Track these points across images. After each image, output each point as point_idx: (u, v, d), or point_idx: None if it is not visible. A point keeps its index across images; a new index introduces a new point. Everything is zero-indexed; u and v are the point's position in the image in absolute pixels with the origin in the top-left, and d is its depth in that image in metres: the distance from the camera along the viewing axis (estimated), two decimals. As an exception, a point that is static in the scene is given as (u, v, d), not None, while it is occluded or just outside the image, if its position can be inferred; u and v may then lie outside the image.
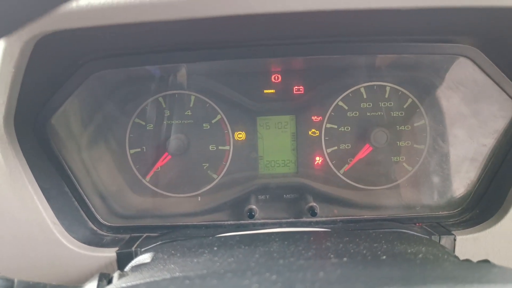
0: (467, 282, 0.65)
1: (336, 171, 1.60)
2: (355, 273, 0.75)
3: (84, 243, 1.34)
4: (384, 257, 0.93)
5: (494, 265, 0.83)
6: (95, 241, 1.39)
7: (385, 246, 1.02)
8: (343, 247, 1.01)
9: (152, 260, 1.08)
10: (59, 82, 1.35)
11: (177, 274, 0.88)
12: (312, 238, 1.10)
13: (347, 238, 1.08)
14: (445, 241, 1.32)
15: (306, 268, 0.78)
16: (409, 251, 1.01)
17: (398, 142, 1.58)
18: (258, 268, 0.83)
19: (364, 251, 0.97)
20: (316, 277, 0.72)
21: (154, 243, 1.30)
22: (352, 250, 0.98)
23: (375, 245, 1.03)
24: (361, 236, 1.10)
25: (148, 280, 0.86)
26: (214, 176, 1.60)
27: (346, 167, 1.60)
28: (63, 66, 1.31)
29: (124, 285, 0.86)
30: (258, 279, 0.72)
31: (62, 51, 1.20)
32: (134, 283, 0.84)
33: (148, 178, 1.60)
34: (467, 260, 0.96)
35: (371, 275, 0.73)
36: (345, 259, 0.87)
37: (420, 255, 0.97)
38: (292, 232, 1.20)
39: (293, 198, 1.59)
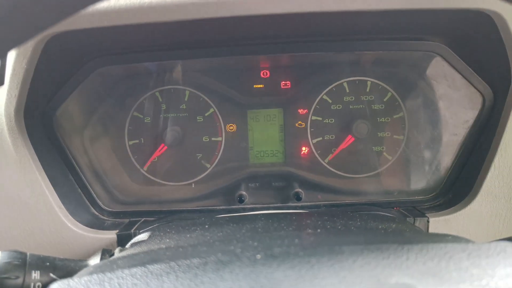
0: (419, 242, 0.76)
1: (321, 160, 1.67)
2: (326, 239, 0.87)
3: (87, 226, 1.43)
4: (355, 230, 1.04)
5: (450, 235, 0.94)
6: (97, 225, 1.48)
7: (359, 223, 1.11)
8: (321, 224, 1.10)
9: (150, 237, 1.17)
10: (65, 77, 1.44)
11: (172, 245, 0.99)
12: (294, 218, 1.20)
13: (326, 217, 1.17)
14: (419, 222, 1.41)
15: (284, 237, 0.89)
16: (380, 227, 1.10)
17: (379, 133, 1.65)
18: (243, 238, 0.94)
19: (339, 227, 1.07)
20: (292, 243, 0.83)
21: (151, 225, 1.38)
22: (328, 226, 1.08)
23: (350, 222, 1.12)
24: (339, 215, 1.19)
25: (146, 249, 0.97)
26: (207, 165, 1.67)
27: (330, 156, 1.66)
28: (69, 63, 1.41)
29: (124, 254, 0.97)
30: (242, 245, 0.83)
31: (70, 49, 1.30)
32: (133, 252, 0.95)
33: (145, 167, 1.66)
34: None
35: (338, 240, 0.84)
36: (319, 230, 0.98)
37: (389, 230, 1.08)
38: (277, 213, 1.30)
39: (281, 185, 1.66)
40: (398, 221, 1.21)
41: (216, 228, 1.10)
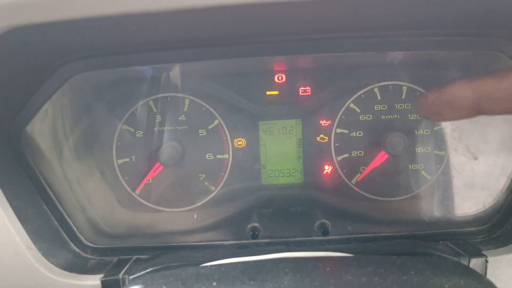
0: None
1: (348, 181, 1.50)
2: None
3: (65, 269, 1.22)
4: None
5: None
6: (78, 266, 1.27)
7: (416, 279, 0.89)
8: (368, 281, 0.87)
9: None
10: (34, 85, 1.21)
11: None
12: (329, 269, 0.95)
13: (370, 268, 0.94)
14: (475, 263, 1.19)
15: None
16: (446, 286, 0.86)
17: (416, 148, 1.47)
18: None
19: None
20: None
21: (144, 268, 1.18)
22: (379, 287, 0.84)
23: (404, 277, 0.89)
24: (386, 264, 0.96)
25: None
26: (212, 188, 1.51)
27: (359, 176, 1.50)
28: (37, 67, 1.16)
29: None
30: None
31: (32, 49, 1.04)
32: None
33: (138, 191, 1.51)
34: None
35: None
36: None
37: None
38: (304, 260, 1.05)
39: (300, 211, 1.48)
40: (462, 272, 0.97)
41: (228, 288, 0.86)
